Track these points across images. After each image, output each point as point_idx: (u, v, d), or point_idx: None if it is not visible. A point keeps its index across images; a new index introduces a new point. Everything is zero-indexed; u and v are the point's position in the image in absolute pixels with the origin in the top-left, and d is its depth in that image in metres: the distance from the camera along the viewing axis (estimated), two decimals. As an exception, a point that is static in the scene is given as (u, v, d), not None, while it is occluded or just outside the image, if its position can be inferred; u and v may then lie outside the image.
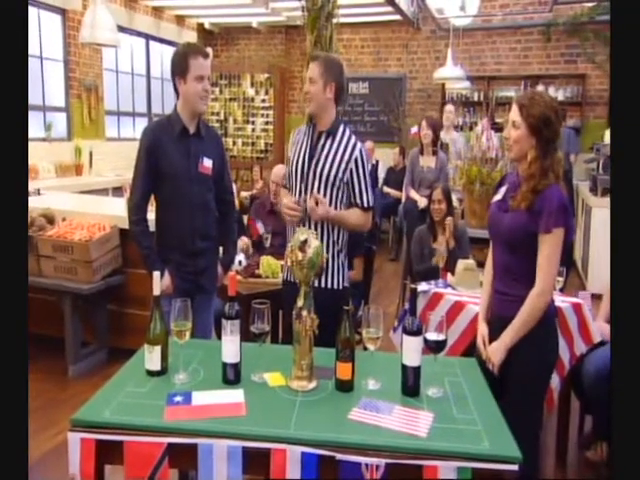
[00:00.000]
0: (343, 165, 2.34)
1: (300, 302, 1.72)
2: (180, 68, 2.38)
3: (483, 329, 2.10)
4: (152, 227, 2.54)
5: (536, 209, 1.90)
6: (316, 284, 2.26)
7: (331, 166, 2.34)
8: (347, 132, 2.42)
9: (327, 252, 2.32)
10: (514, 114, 1.93)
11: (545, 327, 1.95)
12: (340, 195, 2.37)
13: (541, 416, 2.26)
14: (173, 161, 2.42)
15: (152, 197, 2.54)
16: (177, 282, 2.47)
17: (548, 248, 1.91)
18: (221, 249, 2.68)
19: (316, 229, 2.33)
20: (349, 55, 8.85)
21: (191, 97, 2.40)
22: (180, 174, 2.44)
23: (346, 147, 2.37)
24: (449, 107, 6.09)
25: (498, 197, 2.08)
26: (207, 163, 2.48)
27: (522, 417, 1.85)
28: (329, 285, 2.36)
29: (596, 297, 3.02)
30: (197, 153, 2.46)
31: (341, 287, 2.37)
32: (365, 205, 2.40)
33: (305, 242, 1.68)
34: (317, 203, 2.28)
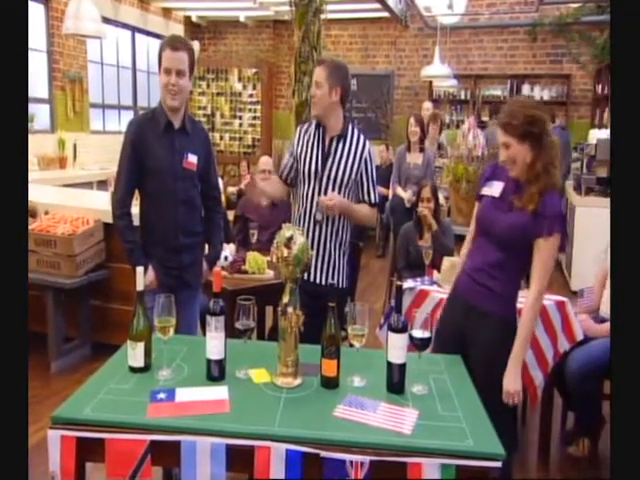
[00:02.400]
0: (355, 166, 2.48)
1: (285, 299, 1.71)
2: (158, 60, 2.38)
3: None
4: (136, 221, 2.50)
5: (537, 212, 1.90)
6: (323, 282, 2.51)
7: (345, 169, 2.47)
8: (356, 132, 2.53)
9: (335, 251, 2.55)
10: (501, 137, 1.95)
11: (508, 325, 1.99)
12: (350, 193, 2.52)
13: (522, 410, 2.28)
14: (157, 156, 2.39)
15: (136, 191, 2.49)
16: (161, 277, 2.44)
17: (547, 252, 1.91)
18: (207, 246, 2.65)
19: (327, 228, 2.50)
20: (337, 51, 8.82)
21: (161, 90, 2.37)
22: (164, 169, 2.40)
23: (357, 148, 2.49)
24: (427, 104, 6.19)
25: (493, 193, 2.05)
26: (192, 159, 2.44)
27: (498, 410, 1.85)
28: (336, 284, 2.51)
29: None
30: (182, 148, 2.43)
31: (345, 285, 2.63)
32: (372, 201, 2.54)
33: (290, 238, 1.67)
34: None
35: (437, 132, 5.96)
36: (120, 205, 2.43)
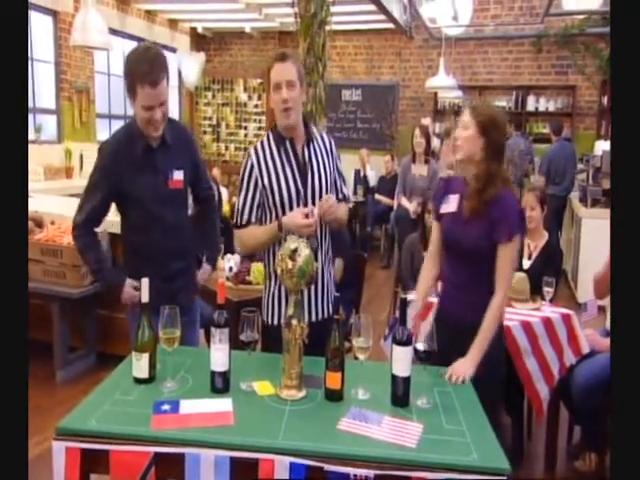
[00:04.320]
0: (332, 167, 2.15)
1: (290, 311, 1.72)
2: (128, 85, 2.07)
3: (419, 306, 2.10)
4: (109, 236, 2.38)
5: (495, 217, 1.93)
6: (320, 318, 2.11)
7: (326, 176, 2.12)
8: (313, 128, 2.17)
9: (330, 277, 2.19)
10: (465, 116, 2.00)
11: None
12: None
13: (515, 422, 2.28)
14: (138, 183, 2.17)
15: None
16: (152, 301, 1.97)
17: (508, 256, 1.95)
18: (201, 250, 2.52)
19: (320, 252, 2.11)
20: (342, 62, 8.90)
21: (139, 122, 2.14)
22: (147, 196, 2.18)
23: (325, 146, 2.16)
24: (425, 120, 6.24)
25: (450, 208, 2.07)
26: (177, 176, 2.23)
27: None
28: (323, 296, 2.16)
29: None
30: (165, 168, 2.21)
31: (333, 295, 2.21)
32: (346, 197, 2.25)
33: (295, 251, 1.67)
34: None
35: (451, 149, 5.88)
36: (79, 227, 2.24)
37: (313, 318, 2.10)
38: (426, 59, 8.58)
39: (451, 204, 2.07)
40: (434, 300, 2.90)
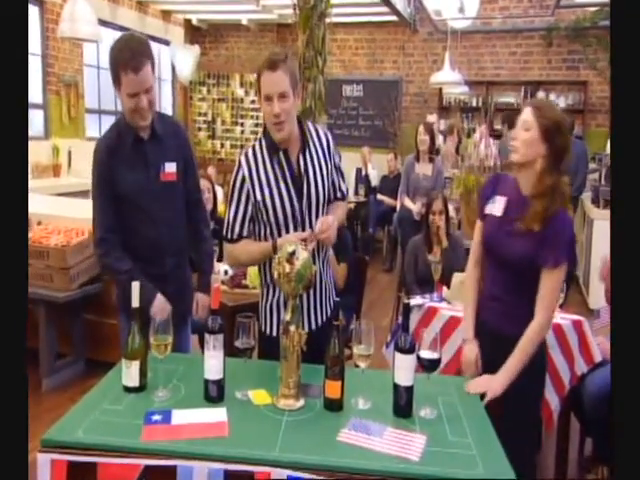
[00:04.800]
0: (329, 166, 2.10)
1: (288, 316, 1.71)
2: (112, 75, 2.13)
3: (474, 348, 2.05)
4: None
5: (544, 238, 1.85)
6: (319, 325, 2.08)
7: (323, 183, 2.07)
8: (312, 128, 2.11)
9: (328, 286, 2.16)
10: (526, 115, 1.88)
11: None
12: (327, 199, 2.15)
13: (538, 435, 2.25)
14: (129, 179, 2.20)
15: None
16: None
17: (553, 282, 1.89)
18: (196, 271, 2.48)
19: (319, 264, 2.08)
20: (343, 56, 8.91)
21: (126, 112, 2.19)
22: (139, 191, 2.21)
23: (321, 145, 2.09)
24: (431, 117, 6.21)
25: (496, 212, 2.00)
26: (170, 168, 2.25)
27: (517, 437, 1.84)
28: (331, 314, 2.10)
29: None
30: (156, 161, 2.23)
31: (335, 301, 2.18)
32: (344, 194, 2.20)
33: (293, 254, 1.67)
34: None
35: (455, 146, 5.88)
36: (101, 245, 2.24)
37: (313, 325, 2.09)
38: (431, 53, 8.59)
39: (497, 206, 1.99)
40: (438, 305, 2.91)
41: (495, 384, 1.87)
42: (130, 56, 2.07)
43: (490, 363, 1.98)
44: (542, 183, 1.87)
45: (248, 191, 2.04)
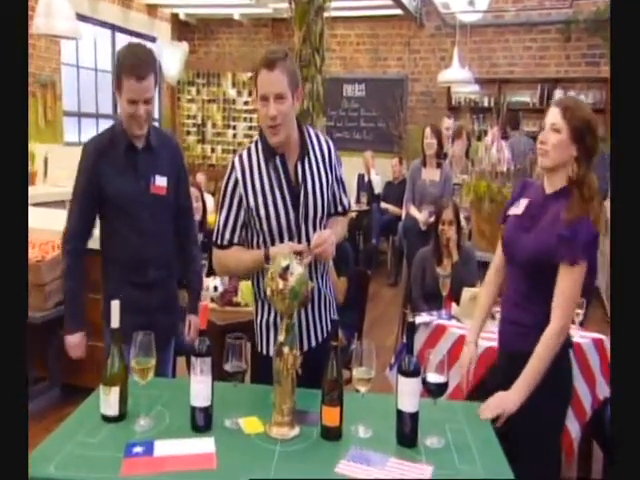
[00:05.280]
0: (329, 178, 2.12)
1: (281, 337, 1.72)
2: (116, 81, 2.29)
3: (472, 352, 2.14)
4: (96, 244, 2.48)
5: (563, 235, 1.89)
6: (318, 342, 2.10)
7: (322, 195, 2.08)
8: (312, 134, 2.14)
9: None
10: (554, 117, 1.94)
11: (556, 363, 1.94)
12: (327, 213, 2.17)
13: (558, 465, 2.23)
14: (118, 185, 2.34)
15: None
16: (127, 318, 1.97)
17: (570, 281, 1.91)
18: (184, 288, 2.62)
19: (316, 278, 2.09)
20: (343, 53, 8.97)
21: (124, 118, 2.33)
22: (127, 199, 2.36)
23: (322, 155, 2.12)
24: (447, 122, 6.21)
25: (517, 211, 2.08)
26: (160, 182, 2.39)
27: (535, 470, 1.84)
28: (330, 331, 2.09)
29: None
30: (147, 172, 2.37)
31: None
32: (346, 208, 2.24)
33: (287, 269, 1.68)
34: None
35: (464, 150, 5.92)
36: (69, 240, 2.41)
37: (312, 342, 2.11)
38: (438, 49, 8.65)
39: (519, 206, 2.07)
40: (446, 323, 2.91)
41: (509, 400, 1.88)
42: (135, 63, 2.23)
43: (509, 383, 1.97)
44: (580, 176, 1.93)
45: (241, 196, 2.06)
